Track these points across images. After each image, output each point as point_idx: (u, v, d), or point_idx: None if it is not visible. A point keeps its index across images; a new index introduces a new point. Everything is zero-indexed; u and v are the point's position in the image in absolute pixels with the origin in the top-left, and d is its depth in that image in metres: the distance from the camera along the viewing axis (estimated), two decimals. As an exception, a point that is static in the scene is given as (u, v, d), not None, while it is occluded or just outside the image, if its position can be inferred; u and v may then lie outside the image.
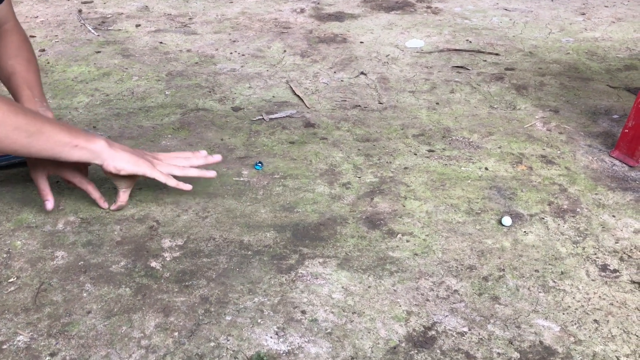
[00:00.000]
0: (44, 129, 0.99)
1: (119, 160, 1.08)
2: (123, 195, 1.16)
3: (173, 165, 1.16)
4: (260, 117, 1.60)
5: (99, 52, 2.03)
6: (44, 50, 2.03)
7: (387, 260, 1.07)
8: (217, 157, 1.22)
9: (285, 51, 2.10)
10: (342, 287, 1.01)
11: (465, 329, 0.93)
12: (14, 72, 1.22)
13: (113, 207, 1.17)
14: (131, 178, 1.14)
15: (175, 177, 1.17)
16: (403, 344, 0.90)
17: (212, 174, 1.19)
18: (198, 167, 1.20)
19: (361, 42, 2.21)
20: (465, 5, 2.70)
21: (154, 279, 1.00)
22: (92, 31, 2.23)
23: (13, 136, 0.96)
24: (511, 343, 0.91)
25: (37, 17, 2.38)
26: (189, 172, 1.17)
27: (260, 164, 1.33)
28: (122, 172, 1.09)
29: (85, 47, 2.08)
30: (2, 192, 1.23)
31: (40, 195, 1.15)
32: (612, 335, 0.93)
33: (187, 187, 1.17)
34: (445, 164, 1.39)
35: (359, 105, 1.69)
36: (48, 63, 1.92)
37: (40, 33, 2.17)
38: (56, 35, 2.18)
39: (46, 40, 2.12)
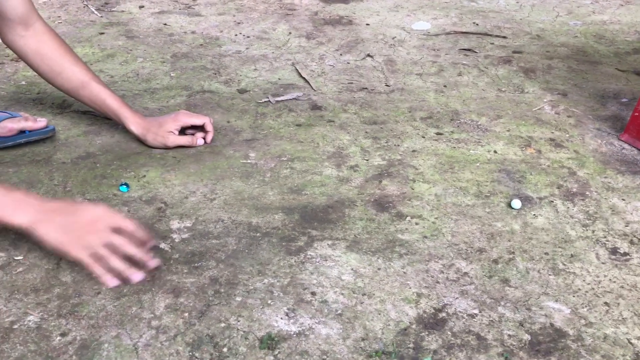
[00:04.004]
0: None
1: (45, 234, 0.96)
2: None
3: (110, 254, 0.95)
4: (267, 100, 1.59)
5: (102, 33, 2.02)
6: (47, 31, 2.00)
7: (397, 243, 1.07)
8: (155, 263, 0.99)
9: (290, 33, 2.08)
10: (352, 269, 1.00)
11: (476, 311, 0.93)
12: (88, 81, 1.31)
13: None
14: None
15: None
16: (414, 326, 0.90)
17: (137, 277, 0.96)
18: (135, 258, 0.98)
19: (367, 24, 2.18)
20: (472, -13, 2.67)
21: (163, 260, 1.00)
22: (96, 12, 2.21)
23: None
24: (522, 325, 0.91)
25: (40, -2, 2.35)
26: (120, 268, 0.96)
27: (126, 185, 1.18)
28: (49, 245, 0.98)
29: (88, 28, 2.06)
30: (8, 173, 1.22)
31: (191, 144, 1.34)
32: (623, 318, 0.93)
33: (112, 283, 0.95)
34: (454, 147, 1.38)
35: (366, 88, 1.68)
36: (52, 44, 1.90)
37: (43, 14, 2.14)
38: (59, 17, 2.16)
39: (49, 21, 2.09)
